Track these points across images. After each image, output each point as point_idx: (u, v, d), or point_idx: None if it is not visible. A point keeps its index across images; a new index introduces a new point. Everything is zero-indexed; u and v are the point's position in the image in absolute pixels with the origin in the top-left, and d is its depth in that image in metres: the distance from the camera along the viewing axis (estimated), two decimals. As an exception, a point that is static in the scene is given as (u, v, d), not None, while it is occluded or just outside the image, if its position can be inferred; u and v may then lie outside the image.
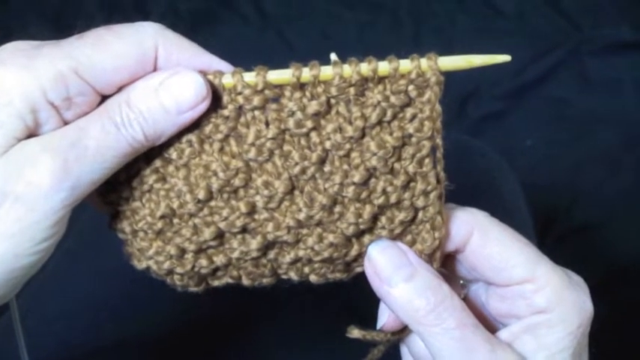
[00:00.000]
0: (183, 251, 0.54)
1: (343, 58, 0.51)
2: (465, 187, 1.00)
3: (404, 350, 0.60)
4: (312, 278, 0.56)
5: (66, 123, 0.48)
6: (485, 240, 0.54)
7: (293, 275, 0.56)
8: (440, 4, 2.01)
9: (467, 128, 1.83)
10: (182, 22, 1.87)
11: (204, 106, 0.49)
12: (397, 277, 0.52)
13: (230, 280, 0.56)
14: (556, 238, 1.70)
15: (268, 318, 0.90)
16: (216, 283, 0.57)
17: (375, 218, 0.54)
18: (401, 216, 0.54)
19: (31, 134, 0.47)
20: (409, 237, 0.55)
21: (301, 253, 0.54)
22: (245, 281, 0.56)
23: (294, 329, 0.90)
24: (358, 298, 0.66)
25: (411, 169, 0.53)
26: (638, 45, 1.95)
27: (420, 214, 0.54)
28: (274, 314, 0.91)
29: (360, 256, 0.55)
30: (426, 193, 0.53)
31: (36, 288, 0.93)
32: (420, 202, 0.53)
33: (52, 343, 0.86)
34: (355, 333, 0.57)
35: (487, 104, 1.90)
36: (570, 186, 1.77)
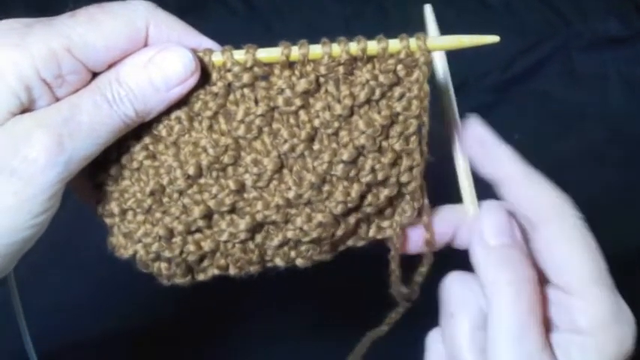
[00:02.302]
0: (171, 232, 0.54)
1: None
2: (449, 180, 1.00)
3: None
4: (299, 262, 0.56)
5: (58, 99, 0.48)
6: (559, 235, 0.53)
7: (279, 261, 0.56)
8: (427, -4, 2.01)
9: (454, 121, 1.83)
10: (169, 10, 1.87)
11: (192, 81, 0.50)
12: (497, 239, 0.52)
13: (216, 272, 0.56)
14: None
15: (254, 311, 0.90)
16: (202, 276, 0.56)
17: (362, 196, 0.54)
18: (386, 192, 0.55)
19: (25, 110, 0.47)
20: (389, 209, 0.56)
21: (290, 234, 0.54)
22: (232, 270, 0.56)
23: (280, 323, 0.90)
24: (344, 295, 0.66)
25: (397, 146, 0.53)
26: (625, 40, 1.96)
27: (403, 189, 0.55)
28: (260, 307, 0.90)
29: (346, 235, 0.56)
30: (410, 169, 0.54)
31: (17, 281, 0.92)
32: (404, 178, 0.54)
33: (32, 336, 0.86)
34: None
35: (474, 97, 1.89)
36: (556, 180, 1.76)
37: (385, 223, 0.57)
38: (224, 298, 0.82)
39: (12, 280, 0.60)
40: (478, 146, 0.55)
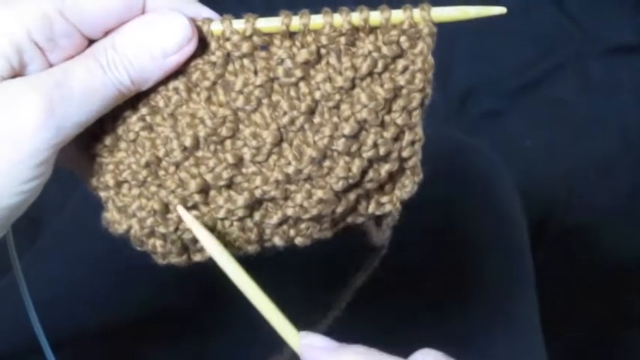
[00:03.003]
0: (166, 207, 0.53)
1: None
2: (459, 186, 1.00)
3: None
4: (298, 240, 0.55)
5: (51, 65, 0.47)
6: None
7: (277, 240, 0.55)
8: (441, 3, 2.00)
9: (466, 125, 1.82)
10: None
11: (190, 48, 0.49)
12: None
13: None
14: (550, 241, 1.69)
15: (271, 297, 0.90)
16: (198, 257, 0.55)
17: (363, 172, 0.53)
18: (387, 167, 0.53)
19: (16, 75, 0.47)
20: (389, 184, 0.55)
21: (289, 211, 0.53)
22: (230, 250, 0.54)
23: (302, 309, 0.89)
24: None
25: (400, 121, 0.52)
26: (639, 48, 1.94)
27: (404, 164, 0.54)
28: (276, 293, 0.90)
29: (346, 212, 0.55)
30: (412, 144, 0.53)
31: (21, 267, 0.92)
32: (406, 153, 0.53)
33: (30, 326, 0.86)
34: None
35: (487, 102, 1.88)
36: (566, 188, 1.76)
37: (384, 199, 0.56)
38: (228, 288, 0.82)
39: (19, 271, 0.59)
40: None
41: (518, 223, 1.03)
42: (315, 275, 0.84)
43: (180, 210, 0.52)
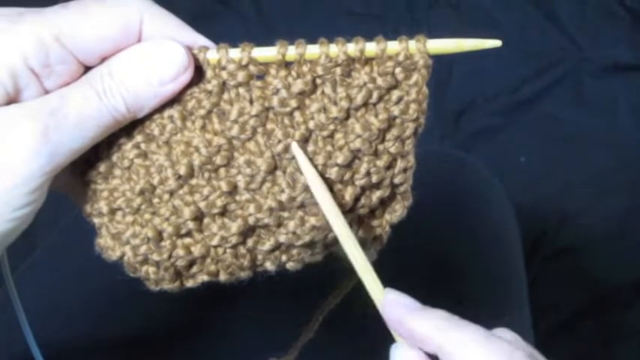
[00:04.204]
0: (160, 235, 0.52)
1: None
2: (454, 204, 0.99)
3: None
4: (290, 265, 0.55)
5: (47, 92, 0.47)
6: None
7: (269, 265, 0.55)
8: (440, 20, 2.01)
9: (461, 142, 1.83)
10: (181, 16, 1.89)
11: (186, 77, 0.49)
12: None
13: (206, 278, 0.55)
14: (544, 259, 1.69)
15: (250, 320, 0.89)
16: (190, 283, 0.55)
17: (355, 199, 0.53)
18: (379, 194, 0.54)
19: (11, 100, 0.46)
20: (379, 209, 0.55)
21: (282, 238, 0.53)
22: (223, 276, 0.55)
23: (278, 330, 0.89)
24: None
25: (393, 149, 0.52)
26: (635, 68, 1.95)
27: (395, 189, 0.54)
28: (255, 315, 0.90)
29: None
30: (405, 171, 0.53)
31: (14, 281, 0.92)
32: (397, 180, 0.53)
33: (23, 340, 0.85)
34: None
35: (482, 119, 1.89)
36: (560, 205, 1.77)
37: (375, 223, 0.56)
38: (221, 300, 0.81)
39: (10, 283, 0.59)
40: (398, 327, 0.49)
41: (513, 239, 1.03)
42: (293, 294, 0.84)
43: (295, 148, 0.51)
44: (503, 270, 0.99)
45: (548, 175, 1.82)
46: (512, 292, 0.97)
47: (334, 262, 0.58)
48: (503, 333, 0.48)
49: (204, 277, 0.55)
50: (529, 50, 1.95)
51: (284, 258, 0.55)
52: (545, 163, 1.83)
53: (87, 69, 0.48)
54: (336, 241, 0.55)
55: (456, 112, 1.87)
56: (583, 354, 1.59)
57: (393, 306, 0.49)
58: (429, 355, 0.48)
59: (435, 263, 0.94)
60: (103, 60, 0.48)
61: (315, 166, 0.51)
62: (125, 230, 0.53)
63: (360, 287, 0.60)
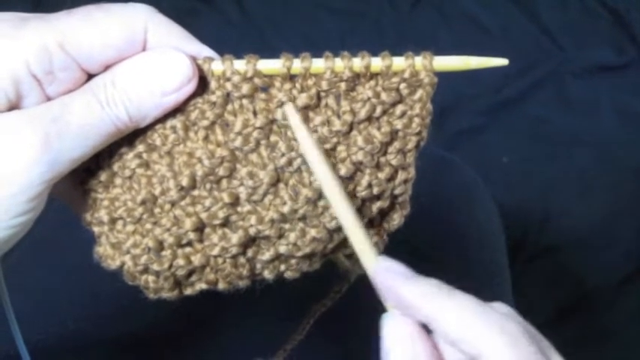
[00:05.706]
0: (161, 245, 0.52)
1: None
2: (439, 204, 0.99)
3: None
4: (288, 274, 0.55)
5: (49, 99, 0.47)
6: None
7: (267, 274, 0.55)
8: (423, 18, 2.02)
9: (444, 141, 1.83)
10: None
11: (189, 88, 0.48)
12: None
13: (205, 286, 0.55)
14: (526, 259, 1.70)
15: (240, 322, 0.89)
16: (189, 291, 0.55)
17: (356, 210, 0.53)
18: (379, 204, 0.54)
19: (12, 107, 0.46)
20: (377, 218, 0.55)
21: (282, 249, 0.53)
22: (221, 285, 0.54)
23: (268, 333, 0.89)
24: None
25: (395, 162, 0.52)
26: (618, 68, 1.97)
27: (394, 200, 0.55)
28: (245, 318, 0.89)
29: (337, 248, 0.55)
30: (405, 182, 0.53)
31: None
32: (398, 191, 0.54)
33: (8, 337, 0.85)
34: None
35: (465, 119, 1.90)
36: (543, 205, 1.78)
37: (372, 231, 0.56)
38: (212, 301, 0.81)
39: (1, 280, 0.58)
40: (388, 294, 0.48)
41: (497, 238, 1.03)
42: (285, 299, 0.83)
43: (289, 109, 0.50)
44: (488, 269, 0.99)
45: (531, 175, 1.82)
46: (497, 291, 0.98)
47: (327, 267, 0.58)
48: (499, 306, 0.48)
49: (202, 286, 0.55)
50: (512, 51, 1.96)
51: (283, 267, 0.55)
52: (528, 163, 1.84)
53: (90, 76, 0.48)
54: (335, 250, 0.56)
55: (439, 112, 1.87)
56: (565, 353, 1.59)
57: (386, 274, 0.48)
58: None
59: (419, 262, 0.94)
60: (107, 68, 0.48)
61: (309, 129, 0.51)
62: (126, 240, 0.52)
63: (350, 292, 0.60)
